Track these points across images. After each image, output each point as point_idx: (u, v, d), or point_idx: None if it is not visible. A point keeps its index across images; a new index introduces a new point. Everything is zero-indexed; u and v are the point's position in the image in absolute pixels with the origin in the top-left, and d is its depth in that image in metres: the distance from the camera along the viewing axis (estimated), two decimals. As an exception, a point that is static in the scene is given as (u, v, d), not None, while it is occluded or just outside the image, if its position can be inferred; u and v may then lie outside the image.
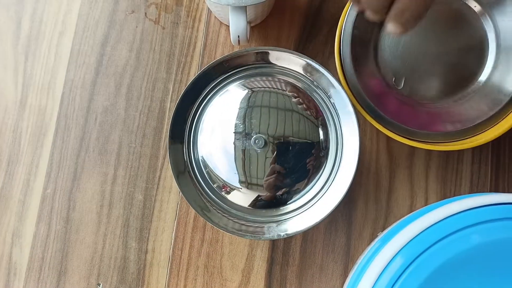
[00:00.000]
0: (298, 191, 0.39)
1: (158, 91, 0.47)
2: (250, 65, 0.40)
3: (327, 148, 0.39)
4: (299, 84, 0.40)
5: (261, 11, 0.46)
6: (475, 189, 0.45)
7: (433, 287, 0.31)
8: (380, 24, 0.41)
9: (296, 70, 0.40)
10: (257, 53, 0.39)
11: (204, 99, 0.40)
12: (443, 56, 0.43)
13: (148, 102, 0.47)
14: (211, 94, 0.40)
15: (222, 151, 0.38)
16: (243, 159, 0.38)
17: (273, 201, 0.39)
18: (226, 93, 0.40)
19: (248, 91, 0.39)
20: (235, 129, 0.38)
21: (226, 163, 0.38)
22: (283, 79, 0.40)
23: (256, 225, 0.39)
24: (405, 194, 0.46)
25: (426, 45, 0.43)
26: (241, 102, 0.39)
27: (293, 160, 0.38)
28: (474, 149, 0.46)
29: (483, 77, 0.43)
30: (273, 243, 0.45)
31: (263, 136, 0.37)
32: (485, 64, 0.43)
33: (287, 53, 0.39)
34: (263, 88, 0.39)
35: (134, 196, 0.46)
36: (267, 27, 0.48)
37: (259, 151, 0.37)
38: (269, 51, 0.39)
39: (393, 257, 0.32)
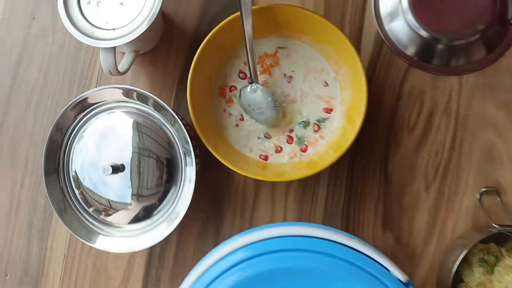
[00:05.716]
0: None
1: (60, 109, 0.54)
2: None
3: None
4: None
5: (145, 42, 0.51)
6: (329, 209, 0.50)
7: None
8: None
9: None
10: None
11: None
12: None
13: (51, 118, 0.54)
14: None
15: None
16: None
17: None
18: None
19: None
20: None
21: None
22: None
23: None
24: (267, 211, 0.51)
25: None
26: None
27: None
28: (330, 173, 0.51)
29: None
30: (151, 248, 0.52)
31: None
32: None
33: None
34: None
35: (37, 201, 0.53)
36: (157, 54, 0.53)
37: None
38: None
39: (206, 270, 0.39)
